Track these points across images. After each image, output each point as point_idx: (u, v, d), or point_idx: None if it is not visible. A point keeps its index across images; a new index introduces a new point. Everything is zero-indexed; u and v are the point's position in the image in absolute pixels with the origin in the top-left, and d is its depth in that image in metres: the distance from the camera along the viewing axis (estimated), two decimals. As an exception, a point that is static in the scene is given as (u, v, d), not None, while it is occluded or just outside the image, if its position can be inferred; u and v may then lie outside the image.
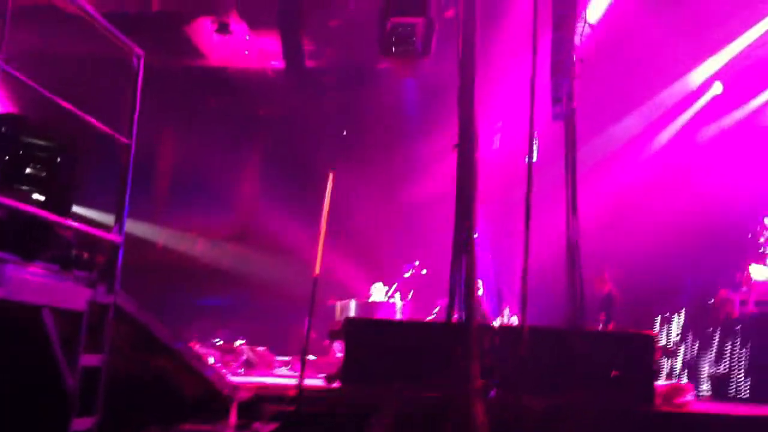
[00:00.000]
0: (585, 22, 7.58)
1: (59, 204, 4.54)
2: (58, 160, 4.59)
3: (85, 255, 4.66)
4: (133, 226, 15.77)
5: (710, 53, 14.46)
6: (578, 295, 7.45)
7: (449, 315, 7.36)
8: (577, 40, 9.11)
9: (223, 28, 14.88)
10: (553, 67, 7.43)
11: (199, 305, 15.75)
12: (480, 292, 12.36)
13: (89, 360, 4.68)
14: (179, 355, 5.95)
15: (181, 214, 16.40)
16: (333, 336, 7.98)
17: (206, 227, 16.57)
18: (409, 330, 7.79)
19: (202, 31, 15.16)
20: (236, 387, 6.65)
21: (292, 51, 14.44)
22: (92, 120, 4.75)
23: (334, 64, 14.87)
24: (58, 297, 4.33)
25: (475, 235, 14.17)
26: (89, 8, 4.75)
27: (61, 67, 13.45)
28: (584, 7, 9.34)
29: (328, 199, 7.54)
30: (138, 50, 5.16)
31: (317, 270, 7.45)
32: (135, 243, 15.64)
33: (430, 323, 10.23)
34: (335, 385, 7.57)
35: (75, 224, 4.54)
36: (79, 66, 14.02)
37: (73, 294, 4.47)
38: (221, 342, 12.91)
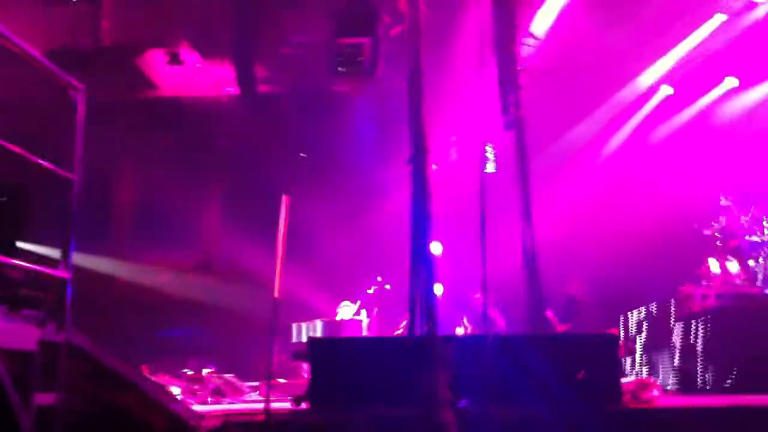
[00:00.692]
0: (530, 34, 7.72)
1: (4, 243, 4.49)
2: (3, 199, 4.54)
3: (32, 293, 4.60)
4: (94, 262, 15.70)
5: (658, 56, 14.80)
6: (538, 302, 7.51)
7: (411, 329, 7.37)
8: (523, 51, 9.28)
9: (174, 59, 14.89)
10: (500, 79, 7.54)
11: (167, 337, 15.61)
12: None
13: (43, 399, 4.61)
14: (141, 389, 5.88)
15: (143, 247, 16.28)
16: (297, 357, 7.95)
17: (169, 259, 16.46)
18: (373, 346, 7.79)
19: (154, 62, 15.15)
20: (202, 416, 6.59)
21: (245, 78, 14.46)
22: (33, 158, 4.71)
23: (289, 88, 14.91)
24: (7, 338, 4.27)
25: (440, 247, 14.33)
26: (24, 45, 4.71)
27: (11, 107, 13.34)
28: (528, 20, 9.48)
29: (284, 222, 7.55)
30: (77, 84, 5.13)
31: (276, 292, 7.42)
32: (97, 279, 15.56)
33: (393, 338, 10.24)
34: (303, 406, 7.53)
35: (21, 263, 4.49)
36: (31, 105, 13.91)
37: (22, 334, 4.41)
38: (190, 372, 12.79)
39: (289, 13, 13.61)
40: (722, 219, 12.09)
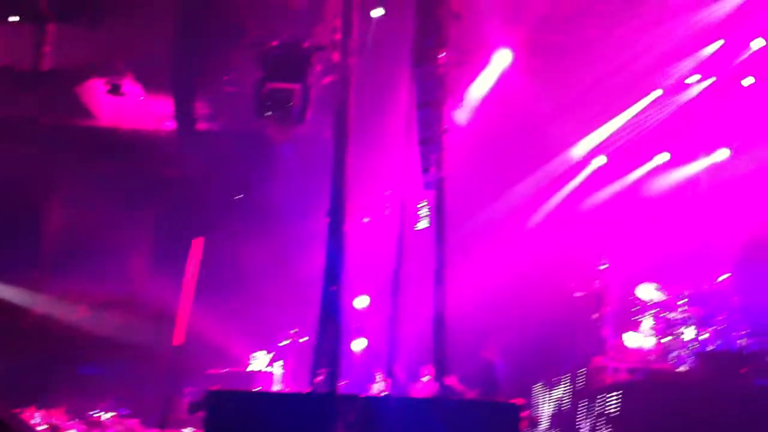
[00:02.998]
0: (458, 98, 7.79)
1: None
2: None
3: None
4: (11, 292, 15.16)
5: (593, 127, 15.14)
6: (443, 365, 7.43)
7: (313, 384, 7.21)
8: (456, 115, 9.38)
9: (115, 90, 14.69)
10: (420, 138, 7.57)
11: (80, 374, 15.07)
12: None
13: None
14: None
15: (66, 279, 15.78)
16: (193, 408, 7.68)
17: (91, 292, 15.97)
18: (272, 401, 7.57)
19: (94, 91, 14.95)
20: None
21: (183, 114, 14.34)
22: None
23: (226, 128, 14.83)
24: None
25: (367, 301, 14.20)
26: None
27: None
28: (464, 84, 9.59)
29: (194, 265, 7.35)
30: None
31: (178, 339, 7.20)
32: (12, 309, 15.01)
33: (290, 394, 10.04)
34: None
35: None
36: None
37: None
38: (99, 413, 12.34)
39: (230, 51, 13.57)
40: (597, 283, 12.40)
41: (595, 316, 12.36)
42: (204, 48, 13.83)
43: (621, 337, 11.94)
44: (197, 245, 7.27)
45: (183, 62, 13.95)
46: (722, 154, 14.90)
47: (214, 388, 7.51)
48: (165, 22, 13.87)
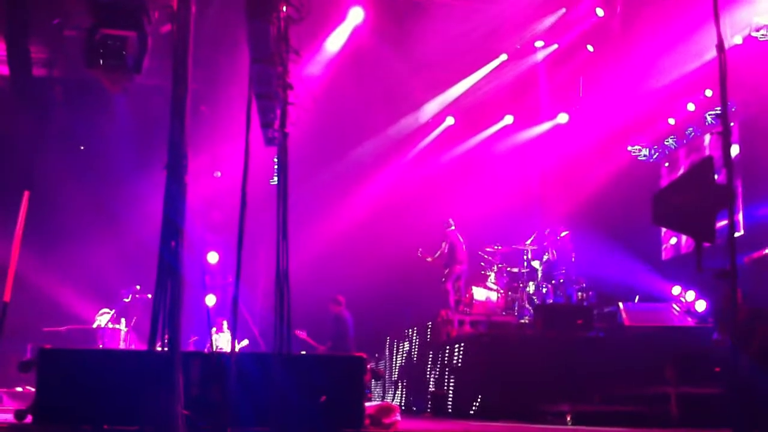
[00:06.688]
0: (293, 51, 7.59)
1: None
2: None
3: None
4: None
5: (443, 89, 15.41)
6: (285, 321, 7.37)
7: (152, 343, 6.97)
8: (303, 71, 9.20)
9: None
10: (258, 94, 7.35)
11: None
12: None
13: None
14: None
15: None
16: (24, 367, 7.25)
17: None
18: (110, 360, 7.31)
19: None
20: None
21: (17, 57, 13.34)
22: None
23: (65, 75, 13.97)
24: None
25: (216, 257, 13.94)
26: None
27: None
28: (300, 39, 9.45)
29: (22, 219, 6.92)
30: None
31: (6, 295, 6.76)
32: None
33: (129, 352, 9.77)
34: (27, 421, 6.93)
35: None
36: None
37: None
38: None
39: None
40: (444, 245, 12.77)
41: (444, 272, 12.67)
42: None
43: (470, 291, 12.32)
44: (25, 199, 6.83)
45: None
46: (562, 117, 15.60)
47: (48, 345, 7.16)
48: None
